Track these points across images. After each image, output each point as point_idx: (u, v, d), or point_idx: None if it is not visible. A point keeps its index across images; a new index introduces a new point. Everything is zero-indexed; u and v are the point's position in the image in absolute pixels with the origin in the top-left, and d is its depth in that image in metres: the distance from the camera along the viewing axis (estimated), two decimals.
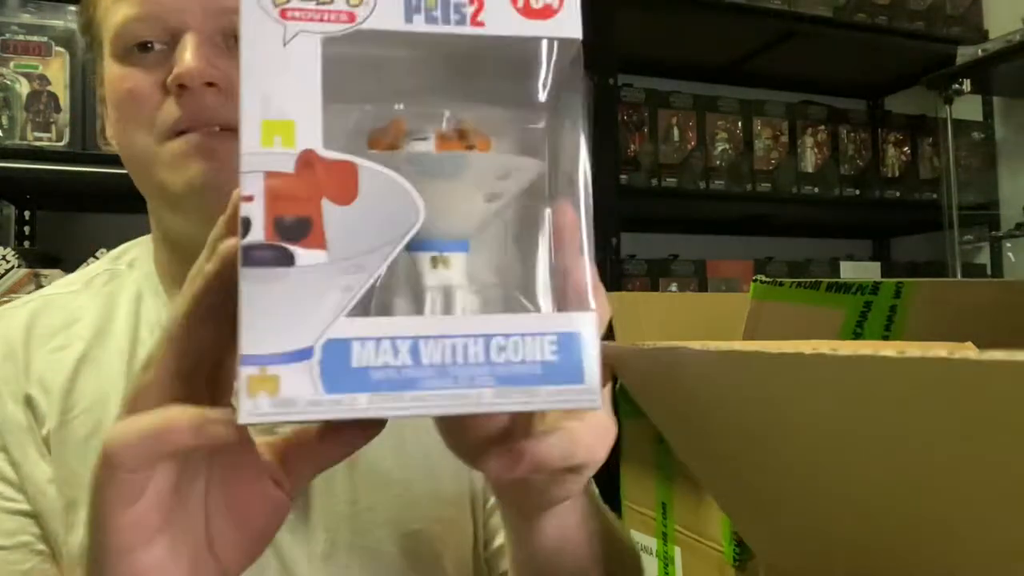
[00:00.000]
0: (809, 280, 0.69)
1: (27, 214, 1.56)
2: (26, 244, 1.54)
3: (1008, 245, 2.01)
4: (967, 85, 1.86)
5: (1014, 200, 2.03)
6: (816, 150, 1.94)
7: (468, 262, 0.32)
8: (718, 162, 1.84)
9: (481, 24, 0.30)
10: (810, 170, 1.93)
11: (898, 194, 2.02)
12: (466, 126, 0.32)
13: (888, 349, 0.24)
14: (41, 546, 0.56)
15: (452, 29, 0.29)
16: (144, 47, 0.55)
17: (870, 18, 1.87)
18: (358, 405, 0.28)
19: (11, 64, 1.32)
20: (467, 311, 0.32)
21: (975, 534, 0.28)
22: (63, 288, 0.65)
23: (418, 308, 0.31)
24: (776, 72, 2.10)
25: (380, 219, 0.29)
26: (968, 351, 0.22)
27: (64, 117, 1.34)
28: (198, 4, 0.54)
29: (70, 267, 0.69)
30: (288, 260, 0.28)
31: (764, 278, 0.70)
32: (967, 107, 2.05)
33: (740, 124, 1.87)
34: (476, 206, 0.32)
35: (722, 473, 0.42)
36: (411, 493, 0.58)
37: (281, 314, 0.27)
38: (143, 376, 0.33)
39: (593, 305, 0.31)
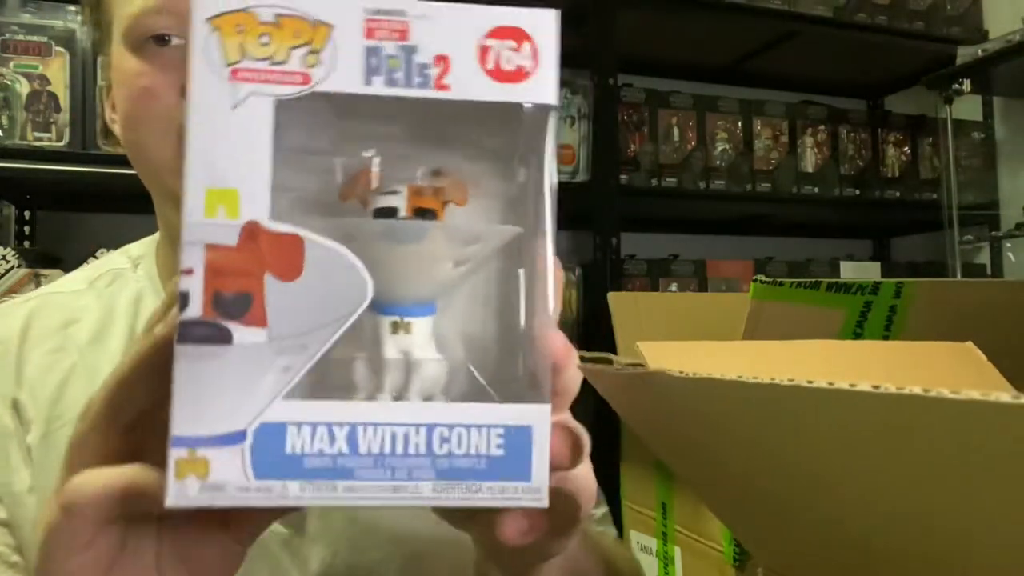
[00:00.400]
0: (809, 280, 0.69)
1: (27, 214, 1.56)
2: (26, 244, 1.54)
3: (1008, 245, 2.01)
4: (967, 85, 1.86)
5: (1014, 200, 2.03)
6: (816, 150, 1.94)
7: (435, 324, 0.31)
8: (718, 162, 1.84)
9: (446, 87, 0.28)
10: (810, 170, 1.93)
11: (898, 194, 2.02)
12: (441, 177, 0.31)
13: (866, 382, 0.24)
14: (16, 558, 0.55)
15: (415, 92, 0.28)
16: (160, 39, 0.53)
17: (870, 18, 1.87)
18: (289, 493, 0.27)
19: (11, 64, 1.32)
20: (424, 383, 0.30)
21: (969, 543, 0.28)
22: (66, 287, 0.64)
23: (378, 373, 0.30)
24: (776, 72, 2.10)
25: (325, 297, 0.27)
26: (942, 390, 0.22)
27: (64, 117, 1.34)
28: None
29: (70, 267, 0.69)
30: (225, 338, 0.26)
31: (764, 278, 0.70)
32: (967, 107, 2.05)
33: (740, 124, 1.87)
34: (443, 271, 0.31)
35: (713, 485, 0.42)
36: (412, 512, 0.57)
37: (215, 394, 0.26)
38: (80, 425, 0.32)
39: (548, 397, 0.28)
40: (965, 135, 2.05)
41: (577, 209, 1.64)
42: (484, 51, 0.28)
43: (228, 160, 0.27)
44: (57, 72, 1.34)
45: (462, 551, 0.59)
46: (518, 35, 0.28)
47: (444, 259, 0.30)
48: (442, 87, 0.28)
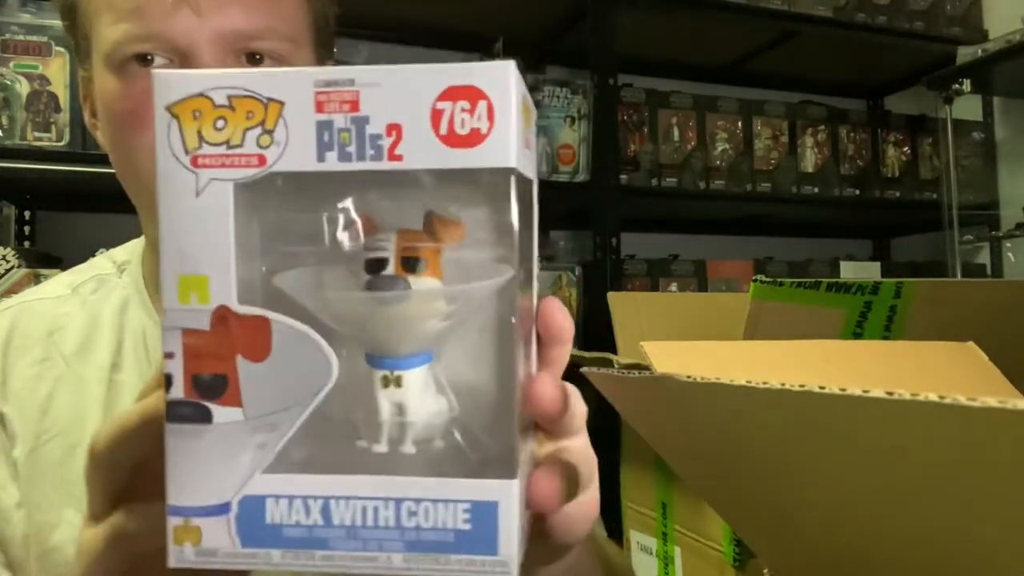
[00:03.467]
0: (809, 280, 0.69)
1: (27, 214, 1.56)
2: (26, 244, 1.54)
3: (1008, 245, 2.01)
4: (967, 85, 1.86)
5: (1014, 200, 2.03)
6: (816, 150, 1.94)
7: (431, 371, 0.31)
8: (718, 162, 1.84)
9: (399, 158, 0.27)
10: (810, 170, 1.93)
11: (898, 194, 2.02)
12: (435, 217, 0.30)
13: (879, 388, 0.24)
14: (5, 574, 0.55)
15: (368, 165, 0.27)
16: (143, 59, 0.53)
17: (870, 18, 1.87)
18: (272, 560, 0.29)
19: (11, 64, 1.32)
20: (417, 435, 0.31)
21: (976, 549, 0.28)
22: (48, 293, 0.63)
23: (373, 427, 0.31)
24: (776, 72, 2.10)
25: (292, 377, 0.28)
26: (958, 396, 0.22)
27: (64, 117, 1.34)
28: (210, 28, 0.52)
29: (70, 267, 0.68)
30: (206, 417, 0.28)
31: (764, 278, 0.70)
32: (967, 107, 2.05)
33: (740, 124, 1.87)
34: (429, 326, 0.31)
35: (718, 487, 0.42)
36: None
37: (202, 469, 0.28)
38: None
39: (515, 472, 0.28)
40: (965, 135, 2.05)
41: (577, 209, 1.64)
42: (436, 115, 0.27)
43: (196, 247, 0.28)
44: (57, 72, 1.34)
45: None
46: (472, 94, 0.27)
47: (430, 316, 0.31)
48: (395, 158, 0.27)
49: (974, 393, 0.21)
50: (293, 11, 0.57)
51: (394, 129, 0.27)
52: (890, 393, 0.23)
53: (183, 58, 0.53)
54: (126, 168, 0.56)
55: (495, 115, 0.27)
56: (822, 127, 1.95)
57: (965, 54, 1.88)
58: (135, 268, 0.64)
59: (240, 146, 0.27)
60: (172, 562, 0.28)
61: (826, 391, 0.26)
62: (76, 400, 0.57)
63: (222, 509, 0.28)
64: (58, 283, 0.64)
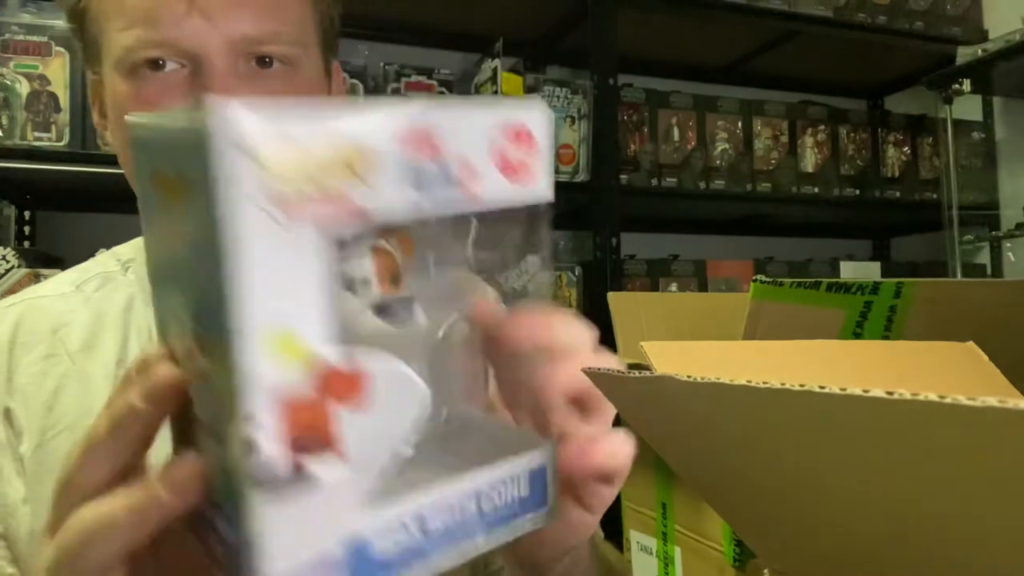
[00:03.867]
0: (809, 280, 0.69)
1: (27, 214, 1.56)
2: (26, 244, 1.54)
3: (1008, 245, 2.01)
4: (967, 85, 1.86)
5: (1014, 200, 2.03)
6: (816, 150, 1.94)
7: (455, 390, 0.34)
8: (718, 162, 1.84)
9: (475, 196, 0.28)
10: (810, 170, 1.93)
11: (898, 194, 2.02)
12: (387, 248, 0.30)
13: (879, 388, 0.24)
14: (11, 569, 0.55)
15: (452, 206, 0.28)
16: (155, 64, 0.54)
17: (870, 18, 1.87)
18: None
19: (11, 64, 1.32)
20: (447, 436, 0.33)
21: (978, 550, 0.28)
22: (52, 290, 0.63)
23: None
24: (776, 72, 2.10)
25: (391, 416, 0.27)
26: (959, 396, 0.22)
27: (64, 117, 1.34)
28: (220, 34, 0.53)
29: (70, 267, 0.68)
30: (304, 478, 0.25)
31: (764, 278, 0.70)
32: (967, 107, 2.05)
33: (740, 124, 1.87)
34: (420, 351, 0.32)
35: (719, 488, 0.42)
36: None
37: (301, 528, 0.26)
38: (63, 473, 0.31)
39: (550, 433, 0.33)
40: (965, 135, 2.05)
41: (577, 209, 1.64)
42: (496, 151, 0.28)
43: (285, 299, 0.25)
44: (57, 72, 1.34)
45: None
46: (522, 131, 0.28)
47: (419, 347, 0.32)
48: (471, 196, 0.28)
49: (974, 393, 0.21)
50: (300, 14, 0.58)
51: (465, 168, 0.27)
52: (890, 393, 0.23)
53: (194, 64, 0.53)
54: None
55: (539, 147, 0.29)
56: (822, 127, 1.96)
57: (965, 54, 1.88)
58: (140, 266, 0.64)
59: (329, 190, 0.25)
60: None
61: (826, 391, 0.26)
62: (82, 396, 0.57)
63: (329, 559, 0.26)
64: (61, 281, 0.65)
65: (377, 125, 0.26)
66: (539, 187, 0.29)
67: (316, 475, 0.26)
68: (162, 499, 0.28)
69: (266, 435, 0.25)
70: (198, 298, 0.26)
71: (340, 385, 0.26)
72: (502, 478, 0.31)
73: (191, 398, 0.28)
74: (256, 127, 0.23)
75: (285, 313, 0.24)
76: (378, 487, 0.28)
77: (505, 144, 0.28)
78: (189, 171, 0.24)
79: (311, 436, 0.25)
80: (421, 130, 0.26)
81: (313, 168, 0.24)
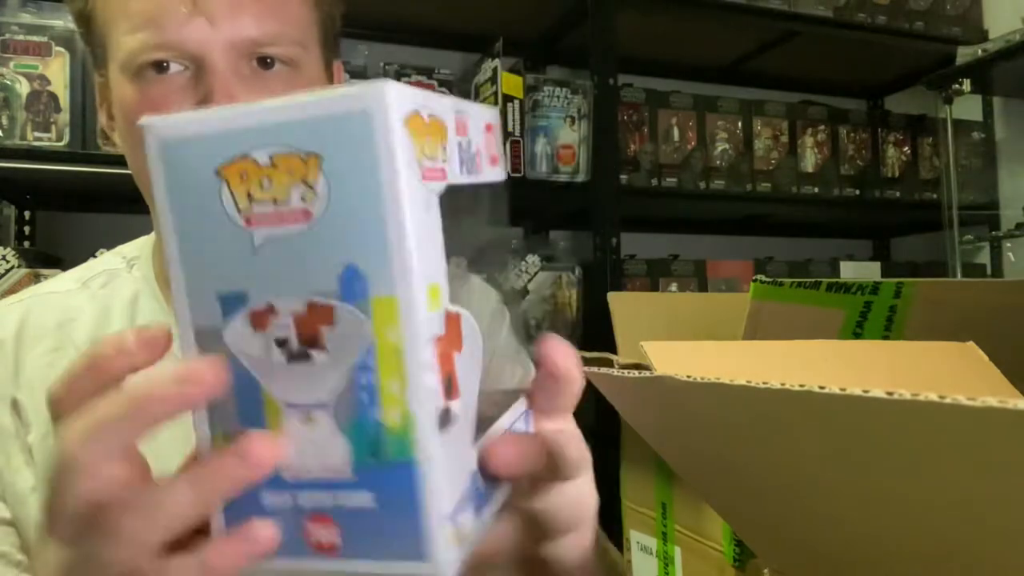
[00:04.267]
0: (809, 280, 0.69)
1: (27, 214, 1.56)
2: (26, 244, 1.54)
3: (1008, 245, 2.01)
4: (967, 85, 1.86)
5: (1014, 200, 2.03)
6: (816, 150, 1.94)
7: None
8: (718, 162, 1.84)
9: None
10: (810, 170, 1.93)
11: (898, 194, 2.02)
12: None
13: (879, 388, 0.24)
14: (20, 556, 0.55)
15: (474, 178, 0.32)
16: (159, 66, 0.54)
17: (870, 18, 1.87)
18: (487, 521, 0.30)
19: (11, 64, 1.32)
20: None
21: (976, 549, 0.28)
22: (59, 287, 0.64)
23: None
24: (776, 72, 2.10)
25: (473, 357, 0.30)
26: (958, 396, 0.22)
27: (64, 117, 1.33)
28: (223, 36, 0.54)
29: (70, 267, 0.69)
30: (452, 418, 0.28)
31: (764, 278, 0.70)
32: (967, 107, 2.05)
33: (740, 124, 1.87)
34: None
35: (718, 488, 0.42)
36: None
37: (452, 467, 0.28)
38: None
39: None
40: (965, 135, 2.05)
41: (577, 209, 1.64)
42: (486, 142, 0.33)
43: (430, 257, 0.28)
44: (57, 72, 1.34)
45: None
46: (491, 125, 0.34)
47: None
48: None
49: (974, 393, 0.21)
50: (302, 15, 0.59)
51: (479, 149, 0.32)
52: (890, 393, 0.23)
53: (198, 65, 0.54)
54: (142, 175, 0.57)
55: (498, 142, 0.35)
56: (822, 127, 1.95)
57: (965, 54, 1.88)
58: (145, 263, 0.64)
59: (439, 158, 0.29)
60: (446, 571, 0.27)
61: (826, 391, 0.26)
62: None
63: (469, 494, 0.29)
64: (66, 279, 0.65)
65: (464, 107, 0.31)
66: (502, 170, 0.34)
67: (456, 414, 0.28)
68: (160, 392, 0.27)
69: (436, 379, 0.27)
70: (326, 266, 0.27)
71: (452, 328, 0.29)
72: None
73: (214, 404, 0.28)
74: (409, 102, 0.27)
75: (432, 266, 0.27)
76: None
77: (486, 135, 0.33)
78: (329, 146, 0.26)
79: (448, 378, 0.28)
80: (461, 117, 0.31)
81: (436, 137, 0.28)
